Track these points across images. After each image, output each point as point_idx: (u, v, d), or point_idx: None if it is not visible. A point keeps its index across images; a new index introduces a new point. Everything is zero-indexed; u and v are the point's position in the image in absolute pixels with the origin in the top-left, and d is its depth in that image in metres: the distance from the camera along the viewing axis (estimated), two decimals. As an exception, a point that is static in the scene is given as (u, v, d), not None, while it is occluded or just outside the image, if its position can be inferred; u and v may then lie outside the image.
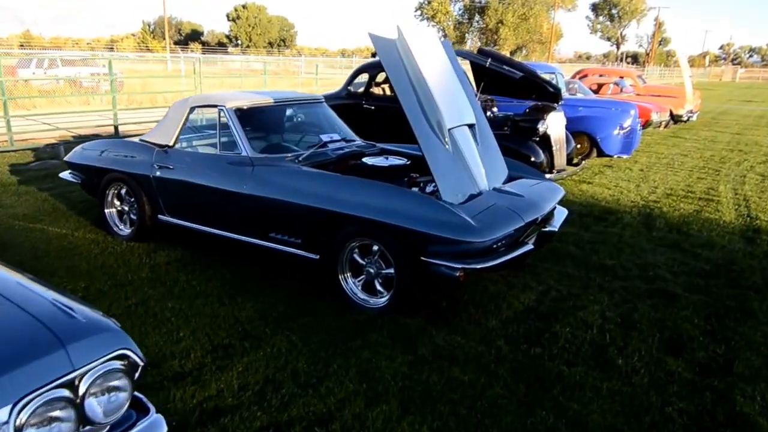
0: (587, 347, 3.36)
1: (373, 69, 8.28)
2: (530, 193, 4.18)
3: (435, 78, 4.07)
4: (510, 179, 4.51)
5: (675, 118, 15.17)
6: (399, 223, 3.50)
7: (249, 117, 4.58)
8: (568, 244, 5.24)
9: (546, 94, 7.56)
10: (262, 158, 4.29)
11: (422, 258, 3.46)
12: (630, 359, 3.25)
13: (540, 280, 4.38)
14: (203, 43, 78.14)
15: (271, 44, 74.73)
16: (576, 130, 9.95)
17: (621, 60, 70.84)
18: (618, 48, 76.88)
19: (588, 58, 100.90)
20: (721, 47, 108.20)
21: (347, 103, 8.25)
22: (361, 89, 8.37)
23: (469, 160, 4.07)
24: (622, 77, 18.10)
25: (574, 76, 18.19)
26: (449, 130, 3.98)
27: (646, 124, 12.53)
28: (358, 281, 3.90)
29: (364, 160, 4.52)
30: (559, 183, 7.99)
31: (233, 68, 26.31)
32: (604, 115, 10.00)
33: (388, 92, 8.46)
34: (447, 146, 3.93)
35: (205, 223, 4.57)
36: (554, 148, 7.42)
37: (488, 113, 8.13)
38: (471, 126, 4.31)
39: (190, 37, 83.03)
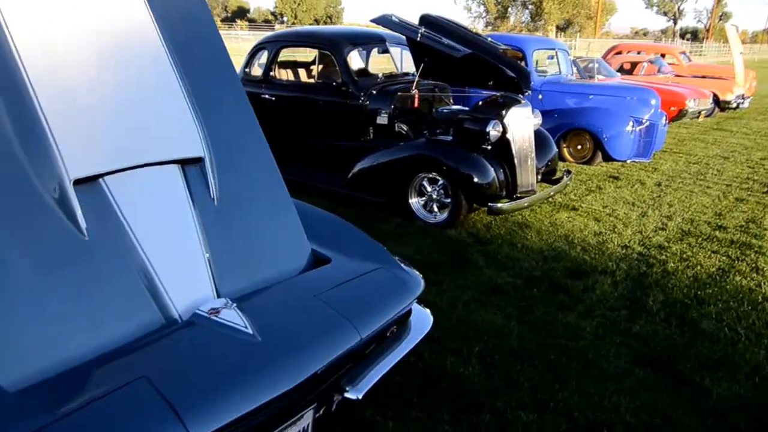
0: None
1: (274, 44, 6.02)
2: (298, 318, 1.91)
3: (62, 59, 1.83)
4: (318, 262, 2.27)
5: (721, 105, 12.33)
6: None
7: None
8: (468, 364, 2.92)
9: (506, 81, 5.16)
10: None
11: None
12: None
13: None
14: (250, 21, 76.71)
15: (317, 21, 72.43)
16: (575, 126, 7.50)
17: (679, 36, 66.02)
18: (675, 23, 71.84)
19: (645, 34, 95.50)
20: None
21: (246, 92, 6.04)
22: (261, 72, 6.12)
23: (144, 245, 1.83)
24: (663, 55, 15.30)
25: (606, 54, 15.49)
26: (89, 181, 1.76)
27: (679, 115, 9.85)
28: None
29: None
30: (527, 211, 5.56)
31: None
32: (612, 107, 7.47)
33: (291, 76, 6.21)
34: (80, 233, 1.71)
35: None
36: (516, 160, 5.03)
37: (433, 110, 5.79)
38: (193, 162, 2.06)
39: (237, 15, 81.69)
